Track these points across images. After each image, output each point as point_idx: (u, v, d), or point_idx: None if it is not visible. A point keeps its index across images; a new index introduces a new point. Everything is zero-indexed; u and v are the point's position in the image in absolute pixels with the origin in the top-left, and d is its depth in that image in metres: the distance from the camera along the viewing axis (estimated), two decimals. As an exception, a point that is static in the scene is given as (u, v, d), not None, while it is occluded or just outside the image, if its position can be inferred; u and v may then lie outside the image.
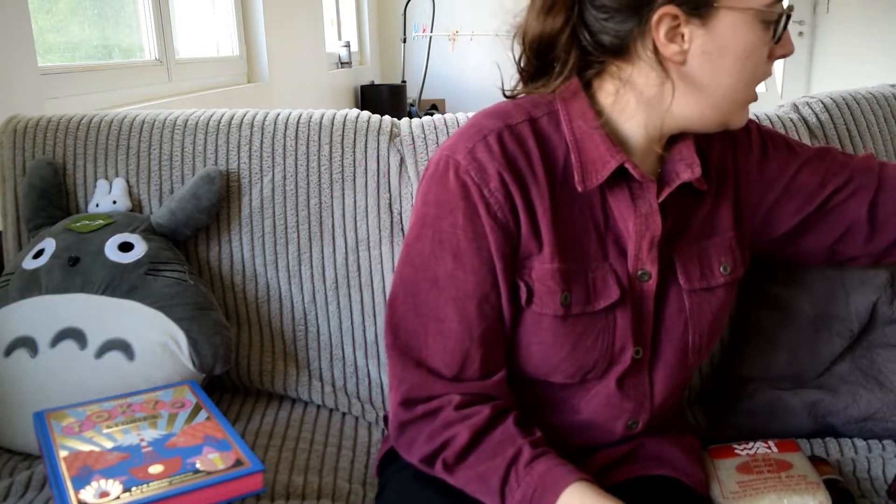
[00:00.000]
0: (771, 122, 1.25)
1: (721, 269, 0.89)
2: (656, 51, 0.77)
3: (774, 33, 0.79)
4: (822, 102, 1.28)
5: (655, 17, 0.75)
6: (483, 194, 0.79)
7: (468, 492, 0.79)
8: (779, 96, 6.11)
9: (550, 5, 0.81)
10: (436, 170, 0.83)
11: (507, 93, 0.89)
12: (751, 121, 0.94)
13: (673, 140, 0.87)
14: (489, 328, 0.82)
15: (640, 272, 0.85)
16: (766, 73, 0.81)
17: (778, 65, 6.22)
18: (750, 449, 0.99)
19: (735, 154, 0.93)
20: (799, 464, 0.95)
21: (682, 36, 0.77)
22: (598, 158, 0.81)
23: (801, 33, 6.09)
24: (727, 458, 0.97)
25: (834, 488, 0.93)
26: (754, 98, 0.83)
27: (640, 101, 0.81)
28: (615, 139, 0.83)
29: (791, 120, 1.26)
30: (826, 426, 1.11)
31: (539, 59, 0.85)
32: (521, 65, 0.87)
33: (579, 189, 0.81)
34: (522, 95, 0.88)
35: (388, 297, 0.86)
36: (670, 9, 0.75)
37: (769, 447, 0.99)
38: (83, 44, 2.11)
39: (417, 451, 0.82)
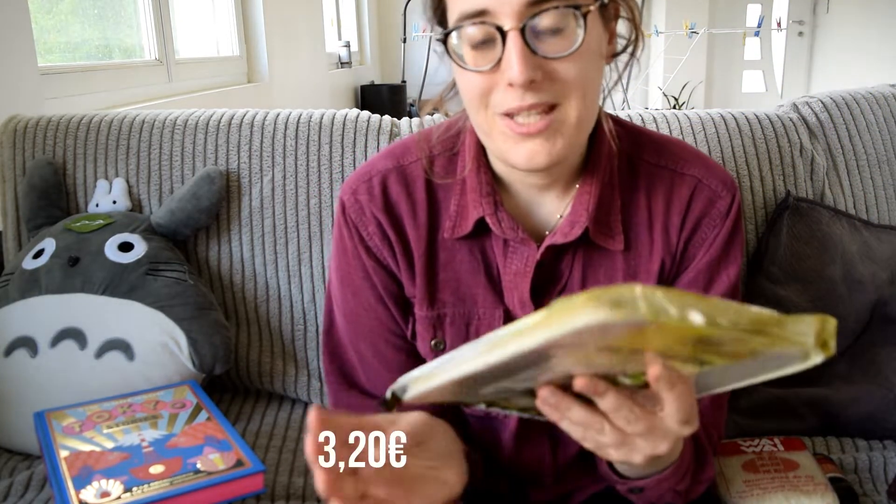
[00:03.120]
0: (771, 121, 1.24)
1: None
2: None
3: (457, 58, 0.66)
4: (822, 102, 1.28)
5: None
6: (362, 236, 0.78)
7: None
8: (779, 96, 6.12)
9: None
10: (337, 206, 0.82)
11: (440, 111, 0.81)
12: (732, 219, 0.76)
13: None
14: (408, 358, 0.79)
15: None
16: (500, 105, 0.64)
17: (778, 64, 6.23)
18: (756, 446, 0.99)
19: (694, 231, 0.75)
20: (805, 463, 0.95)
21: None
22: (472, 204, 0.74)
23: (800, 33, 6.10)
24: (733, 455, 0.97)
25: (838, 487, 0.93)
26: (507, 133, 0.65)
27: None
28: (498, 180, 0.75)
29: (791, 120, 1.25)
30: (826, 425, 1.11)
31: None
32: None
33: (446, 236, 0.75)
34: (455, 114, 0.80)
35: (322, 322, 0.85)
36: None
37: (775, 445, 0.99)
38: (84, 44, 2.11)
39: None
